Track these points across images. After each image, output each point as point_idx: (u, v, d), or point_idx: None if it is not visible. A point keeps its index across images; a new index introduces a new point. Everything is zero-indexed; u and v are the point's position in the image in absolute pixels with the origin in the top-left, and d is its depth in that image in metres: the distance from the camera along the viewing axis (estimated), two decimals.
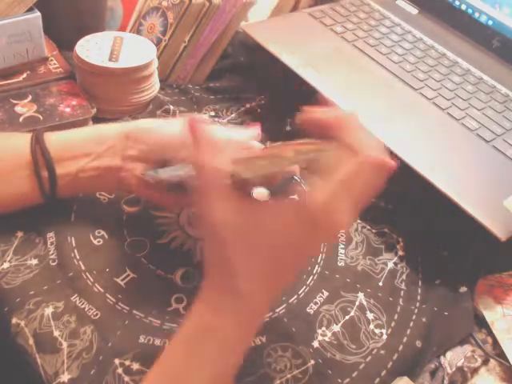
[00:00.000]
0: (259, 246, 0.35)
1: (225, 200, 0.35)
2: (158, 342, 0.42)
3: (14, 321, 0.41)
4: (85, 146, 0.45)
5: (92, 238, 0.49)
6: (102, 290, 0.45)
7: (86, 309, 0.43)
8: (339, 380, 0.42)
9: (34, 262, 0.46)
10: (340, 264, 0.50)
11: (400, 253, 0.53)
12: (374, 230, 0.54)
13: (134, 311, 0.44)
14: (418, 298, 0.49)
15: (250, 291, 0.35)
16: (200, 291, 0.37)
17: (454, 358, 0.45)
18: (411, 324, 0.47)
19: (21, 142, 0.45)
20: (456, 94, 0.65)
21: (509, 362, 0.46)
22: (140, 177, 0.45)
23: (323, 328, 0.45)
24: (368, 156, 0.34)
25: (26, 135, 0.45)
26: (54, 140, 0.45)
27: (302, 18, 0.74)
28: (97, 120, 0.59)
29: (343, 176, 0.34)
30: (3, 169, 0.45)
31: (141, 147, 0.45)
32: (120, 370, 0.40)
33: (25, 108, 0.56)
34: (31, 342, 0.40)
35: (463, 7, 0.75)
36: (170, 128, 0.46)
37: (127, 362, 0.40)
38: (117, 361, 0.40)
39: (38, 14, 0.59)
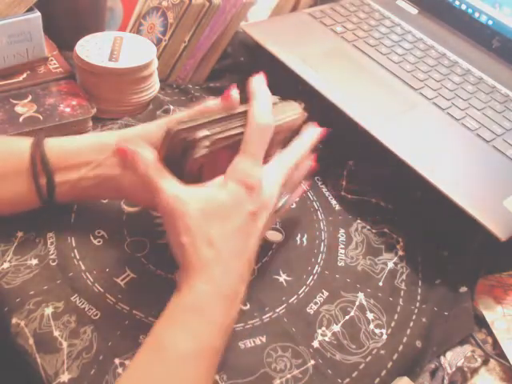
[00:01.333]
0: (213, 212, 0.38)
1: (167, 178, 0.39)
2: None
3: (14, 321, 0.41)
4: (85, 154, 0.45)
5: (92, 238, 0.49)
6: (101, 289, 0.45)
7: (86, 309, 0.43)
8: (339, 380, 0.42)
9: (34, 261, 0.46)
10: (340, 264, 0.50)
11: (400, 253, 0.53)
12: (373, 230, 0.54)
13: (134, 311, 0.44)
14: (418, 297, 0.49)
15: (215, 257, 0.37)
16: (177, 276, 0.38)
17: (454, 357, 0.45)
18: (411, 324, 0.47)
19: (21, 147, 0.45)
20: (456, 93, 0.65)
21: (509, 362, 0.46)
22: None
23: (323, 328, 0.45)
24: (250, 122, 0.41)
25: (26, 141, 0.45)
26: (54, 147, 0.45)
27: (302, 18, 0.74)
28: (97, 120, 0.59)
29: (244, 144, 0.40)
30: (2, 173, 0.44)
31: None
32: (120, 370, 0.40)
33: (25, 108, 0.56)
34: (31, 341, 0.40)
35: (463, 7, 0.75)
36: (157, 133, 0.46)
37: (127, 362, 0.40)
38: (117, 361, 0.40)
39: (37, 14, 0.59)
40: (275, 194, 0.41)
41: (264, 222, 0.40)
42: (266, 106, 0.42)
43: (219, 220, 0.38)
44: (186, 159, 0.40)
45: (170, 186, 0.39)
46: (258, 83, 0.44)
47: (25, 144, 0.45)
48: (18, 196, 0.45)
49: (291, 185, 0.46)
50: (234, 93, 0.44)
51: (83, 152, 0.45)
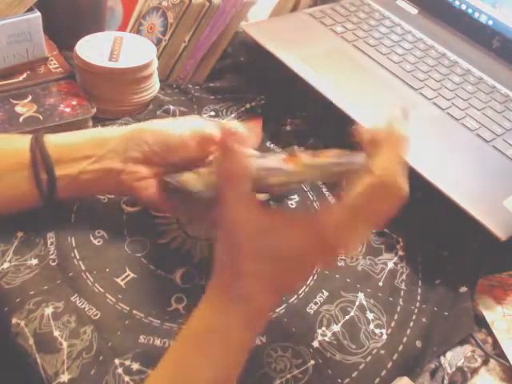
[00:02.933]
0: (270, 254, 0.36)
1: (246, 205, 0.36)
2: (157, 342, 0.42)
3: (14, 321, 0.41)
4: (85, 148, 0.45)
5: (92, 238, 0.48)
6: (102, 289, 0.45)
7: (86, 309, 0.43)
8: (339, 380, 0.42)
9: (34, 261, 0.46)
10: (340, 264, 0.50)
11: (400, 253, 0.53)
12: (374, 230, 0.54)
13: (134, 311, 0.44)
14: (418, 297, 0.49)
15: (255, 295, 0.36)
16: (206, 291, 0.37)
17: (454, 357, 0.45)
18: (411, 324, 0.47)
19: (21, 143, 0.45)
20: (456, 94, 0.65)
21: (509, 362, 0.46)
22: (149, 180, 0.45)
23: (323, 328, 0.45)
24: (379, 177, 0.35)
25: (26, 137, 0.45)
26: (54, 142, 0.45)
27: (302, 18, 0.74)
28: (97, 120, 0.59)
29: (355, 197, 0.35)
30: (2, 170, 0.44)
31: (143, 149, 0.45)
32: (120, 370, 0.40)
33: (25, 108, 0.56)
34: (31, 342, 0.40)
35: (463, 7, 0.75)
36: (174, 130, 0.46)
37: (127, 362, 0.40)
38: (117, 361, 0.40)
39: (37, 14, 0.59)
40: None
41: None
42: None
43: (271, 260, 0.36)
44: None
45: (245, 208, 0.36)
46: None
47: (24, 140, 0.45)
48: (18, 193, 0.45)
49: None
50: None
51: (83, 146, 0.45)
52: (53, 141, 0.45)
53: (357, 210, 0.35)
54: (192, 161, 0.45)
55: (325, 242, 0.35)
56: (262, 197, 0.49)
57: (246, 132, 0.43)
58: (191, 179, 0.43)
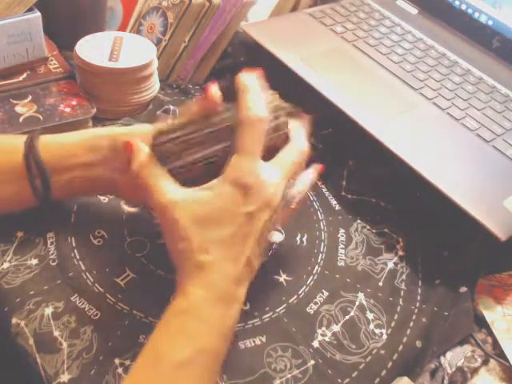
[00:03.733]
0: (207, 217, 0.37)
1: (161, 180, 0.39)
2: None
3: (14, 321, 0.41)
4: (79, 155, 0.44)
5: (92, 238, 0.49)
6: (101, 289, 0.45)
7: (86, 309, 0.43)
8: (339, 380, 0.42)
9: (34, 261, 0.46)
10: (340, 264, 0.50)
11: (400, 253, 0.53)
12: (373, 230, 0.54)
13: (134, 311, 0.44)
14: (418, 298, 0.49)
15: (210, 262, 0.37)
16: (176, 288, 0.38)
17: (454, 358, 0.45)
18: (411, 324, 0.47)
19: (15, 145, 0.44)
20: (456, 93, 0.65)
21: (509, 362, 0.46)
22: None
23: (323, 328, 0.45)
24: (245, 115, 0.39)
25: (19, 138, 0.44)
26: (48, 147, 0.44)
27: (302, 18, 0.74)
28: (97, 120, 0.59)
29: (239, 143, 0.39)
30: None
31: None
32: (120, 370, 0.40)
33: (25, 108, 0.56)
34: (31, 341, 0.40)
35: (463, 7, 0.75)
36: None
37: (127, 362, 0.40)
38: (117, 361, 0.40)
39: (37, 14, 0.59)
40: (279, 191, 0.40)
41: (264, 222, 0.39)
42: (258, 98, 0.40)
43: (213, 225, 0.37)
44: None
45: (164, 189, 0.38)
46: (249, 77, 0.43)
47: (18, 143, 0.44)
48: (13, 196, 0.45)
49: (299, 179, 0.44)
50: (214, 89, 0.42)
51: (78, 153, 0.45)
52: (46, 145, 0.44)
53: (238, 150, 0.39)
54: None
55: (244, 188, 0.38)
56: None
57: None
58: None
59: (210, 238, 0.37)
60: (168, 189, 0.38)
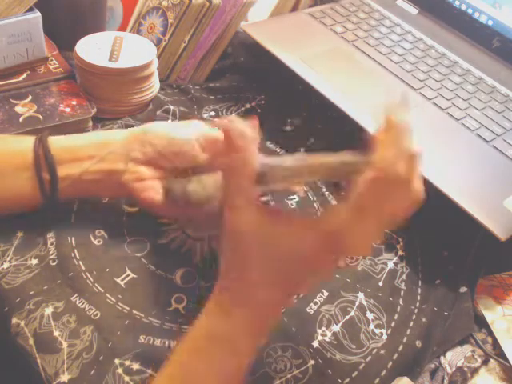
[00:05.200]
0: (278, 259, 0.35)
1: (253, 211, 0.35)
2: (157, 342, 0.42)
3: (14, 321, 0.41)
4: (88, 148, 0.45)
5: (92, 237, 0.48)
6: (101, 290, 0.45)
7: (86, 309, 0.43)
8: (339, 380, 0.42)
9: (34, 261, 0.46)
10: (340, 264, 0.50)
11: (400, 253, 0.53)
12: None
13: (134, 311, 0.44)
14: (418, 298, 0.49)
15: (263, 300, 0.35)
16: (212, 294, 0.37)
17: (454, 358, 0.45)
18: (411, 324, 0.47)
19: (24, 144, 0.45)
20: (456, 93, 0.65)
21: (509, 362, 0.46)
22: (143, 183, 0.45)
23: (323, 328, 0.45)
24: (381, 169, 0.31)
25: (29, 138, 0.45)
26: (58, 142, 0.45)
27: (302, 18, 0.74)
28: (97, 120, 0.59)
29: (358, 196, 0.32)
30: (5, 170, 0.44)
31: (146, 150, 0.45)
32: (120, 370, 0.40)
33: (25, 108, 0.56)
34: (31, 341, 0.40)
35: (463, 7, 0.75)
36: (178, 133, 0.45)
37: (127, 362, 0.40)
38: (117, 361, 0.40)
39: (38, 14, 0.59)
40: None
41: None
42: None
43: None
44: None
45: (249, 212, 0.35)
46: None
47: (28, 141, 0.45)
48: (20, 193, 0.45)
49: None
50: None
51: (86, 147, 0.45)
52: (56, 142, 0.45)
53: (363, 209, 0.32)
54: (197, 164, 0.45)
55: (332, 244, 0.34)
56: (263, 198, 0.49)
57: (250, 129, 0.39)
58: (194, 189, 0.42)
59: (273, 280, 0.35)
60: (252, 212, 0.35)
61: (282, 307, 0.38)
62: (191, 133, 0.45)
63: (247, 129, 0.35)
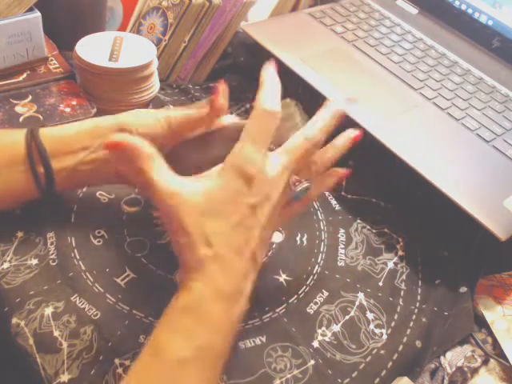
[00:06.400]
0: (208, 209, 0.36)
1: (162, 171, 0.37)
2: None
3: (14, 321, 0.41)
4: (81, 139, 0.45)
5: (92, 238, 0.49)
6: (101, 289, 0.45)
7: (86, 309, 0.43)
8: (339, 380, 0.42)
9: (34, 261, 0.46)
10: (340, 264, 0.50)
11: (400, 253, 0.53)
12: (374, 230, 0.54)
13: (134, 311, 0.44)
14: (418, 298, 0.49)
15: (213, 256, 0.36)
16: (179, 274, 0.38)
17: (454, 358, 0.45)
18: (411, 324, 0.47)
19: (16, 137, 0.44)
20: (456, 93, 0.65)
21: (509, 362, 0.46)
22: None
23: (323, 328, 0.45)
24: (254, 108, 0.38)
25: (20, 131, 0.45)
26: (50, 135, 0.45)
27: (302, 18, 0.74)
28: None
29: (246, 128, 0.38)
30: None
31: (136, 133, 0.44)
32: (120, 370, 0.40)
33: (25, 108, 0.56)
34: (31, 341, 0.40)
35: (463, 7, 0.75)
36: (156, 115, 0.46)
37: (127, 362, 0.40)
38: (117, 361, 0.40)
39: (38, 14, 0.59)
40: (280, 183, 0.38)
41: (266, 215, 0.38)
42: (273, 93, 0.39)
43: (216, 216, 0.36)
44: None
45: (165, 181, 0.37)
46: (269, 71, 0.41)
47: (19, 134, 0.44)
48: (16, 187, 0.45)
49: (310, 171, 0.42)
50: (222, 88, 0.42)
51: (80, 137, 0.45)
52: (48, 134, 0.45)
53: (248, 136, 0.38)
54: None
55: (246, 177, 0.36)
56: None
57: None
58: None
59: (212, 230, 0.36)
60: (169, 179, 0.37)
61: (243, 267, 0.37)
62: (166, 114, 0.46)
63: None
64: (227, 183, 0.37)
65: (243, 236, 0.37)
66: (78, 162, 0.44)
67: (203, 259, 0.36)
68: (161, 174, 0.37)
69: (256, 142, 0.38)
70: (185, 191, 0.37)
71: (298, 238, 0.52)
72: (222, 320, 0.36)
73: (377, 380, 0.42)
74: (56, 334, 0.41)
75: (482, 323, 0.49)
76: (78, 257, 0.47)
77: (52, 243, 0.47)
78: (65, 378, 0.39)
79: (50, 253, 0.47)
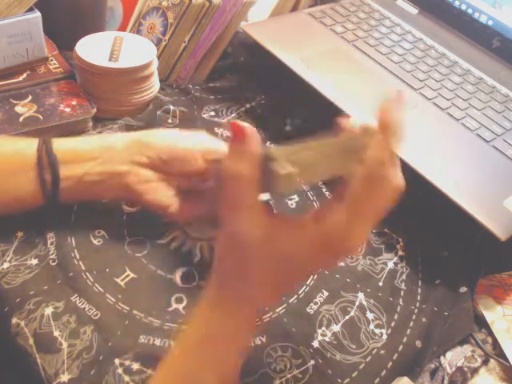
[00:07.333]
0: (275, 259, 0.35)
1: (254, 212, 0.34)
2: (157, 342, 0.42)
3: (14, 321, 0.41)
4: (92, 150, 0.45)
5: (92, 237, 0.49)
6: (101, 289, 0.45)
7: (86, 309, 0.43)
8: (339, 380, 0.42)
9: (34, 261, 0.46)
10: (340, 264, 0.50)
11: (400, 253, 0.53)
12: (373, 230, 0.54)
13: (134, 311, 0.44)
14: (418, 298, 0.49)
15: (259, 297, 0.36)
16: (206, 292, 0.36)
17: (454, 358, 0.45)
18: (411, 324, 0.47)
19: (28, 145, 0.45)
20: (456, 93, 0.65)
21: (509, 362, 0.46)
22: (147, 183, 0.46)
23: (323, 328, 0.45)
24: (369, 168, 0.32)
25: (34, 139, 0.46)
26: (62, 144, 0.45)
27: (302, 18, 0.74)
28: (97, 120, 0.59)
29: (352, 195, 0.33)
30: (8, 170, 0.45)
31: (150, 154, 0.45)
32: (120, 370, 0.40)
33: (25, 108, 0.56)
34: (31, 342, 0.40)
35: (463, 7, 0.75)
36: (181, 141, 0.46)
37: (127, 362, 0.40)
38: (117, 361, 0.40)
39: (38, 14, 0.59)
40: None
41: None
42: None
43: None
44: None
45: (251, 220, 0.34)
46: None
47: (32, 142, 0.45)
48: (22, 194, 0.45)
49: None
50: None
51: (90, 148, 0.46)
52: (60, 143, 0.45)
53: (356, 208, 0.33)
54: (196, 173, 0.46)
55: (328, 244, 0.34)
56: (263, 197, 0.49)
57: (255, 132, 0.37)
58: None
59: (269, 278, 0.35)
60: (255, 220, 0.34)
61: (274, 304, 0.39)
62: (192, 142, 0.46)
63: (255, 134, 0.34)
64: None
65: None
66: (86, 171, 0.45)
67: (254, 298, 0.36)
68: (250, 207, 0.34)
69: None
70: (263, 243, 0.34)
71: None
72: (244, 350, 0.37)
73: (377, 380, 0.42)
74: (56, 334, 0.41)
75: (482, 323, 0.49)
76: (77, 257, 0.47)
77: (52, 243, 0.47)
78: (65, 378, 0.39)
79: (50, 253, 0.47)
